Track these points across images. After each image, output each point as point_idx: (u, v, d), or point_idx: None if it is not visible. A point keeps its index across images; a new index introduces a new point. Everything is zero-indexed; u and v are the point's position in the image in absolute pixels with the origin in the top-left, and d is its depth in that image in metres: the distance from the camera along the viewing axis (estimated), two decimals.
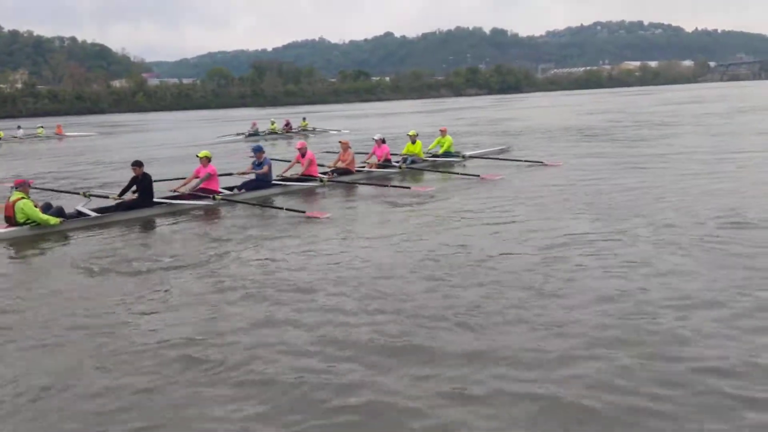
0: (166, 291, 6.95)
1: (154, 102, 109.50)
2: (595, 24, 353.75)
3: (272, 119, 37.61)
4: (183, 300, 6.60)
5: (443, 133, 17.94)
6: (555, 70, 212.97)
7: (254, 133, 33.46)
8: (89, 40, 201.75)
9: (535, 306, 5.99)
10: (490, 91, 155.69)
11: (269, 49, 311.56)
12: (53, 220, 10.00)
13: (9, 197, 10.16)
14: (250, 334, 5.62)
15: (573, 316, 5.71)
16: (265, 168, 13.27)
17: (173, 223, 10.76)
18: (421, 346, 5.19)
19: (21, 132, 41.33)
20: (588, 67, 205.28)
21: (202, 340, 5.51)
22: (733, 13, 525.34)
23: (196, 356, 5.18)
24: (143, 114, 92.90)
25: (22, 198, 9.94)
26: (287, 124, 36.39)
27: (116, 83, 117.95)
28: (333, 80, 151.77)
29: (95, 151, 28.95)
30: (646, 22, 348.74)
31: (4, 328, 6.01)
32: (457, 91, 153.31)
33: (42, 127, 43.63)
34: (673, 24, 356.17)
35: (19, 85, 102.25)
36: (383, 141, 16.01)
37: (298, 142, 15.07)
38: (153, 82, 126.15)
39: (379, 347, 5.22)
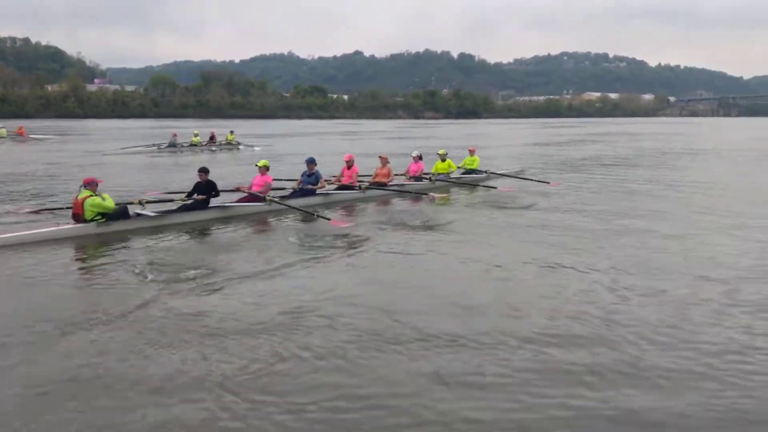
0: (215, 290, 7.37)
1: (86, 108, 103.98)
2: (562, 54, 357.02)
3: (195, 131, 35.52)
4: (236, 300, 6.97)
5: (472, 152, 18.81)
6: (517, 98, 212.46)
7: (172, 144, 31.68)
8: (44, 42, 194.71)
9: None
10: (448, 114, 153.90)
11: (237, 60, 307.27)
12: (111, 202, 10.58)
13: (77, 195, 10.53)
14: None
15: None
16: (322, 182, 13.81)
17: (227, 226, 11.46)
18: None
19: None
20: (549, 96, 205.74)
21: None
22: (696, 51, 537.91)
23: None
24: (69, 121, 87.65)
25: (91, 196, 10.38)
26: (212, 137, 34.83)
27: (49, 87, 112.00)
28: (287, 95, 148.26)
29: None
30: (611, 55, 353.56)
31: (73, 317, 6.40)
32: (414, 114, 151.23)
33: (4, 128, 41.86)
34: (638, 58, 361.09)
35: None
36: (420, 158, 16.88)
37: (345, 155, 15.18)
38: (91, 88, 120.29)
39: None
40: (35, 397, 4.75)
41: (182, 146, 32.27)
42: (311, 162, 13.72)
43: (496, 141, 45.99)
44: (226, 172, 19.98)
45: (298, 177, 14.21)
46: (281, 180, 14.61)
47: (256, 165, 13.17)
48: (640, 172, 22.03)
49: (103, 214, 10.46)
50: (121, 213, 10.74)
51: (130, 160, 25.53)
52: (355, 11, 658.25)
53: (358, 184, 14.73)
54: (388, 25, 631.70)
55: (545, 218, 12.11)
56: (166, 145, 31.51)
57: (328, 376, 5.09)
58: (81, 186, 10.70)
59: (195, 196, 11.89)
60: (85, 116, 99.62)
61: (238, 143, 35.08)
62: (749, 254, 9.16)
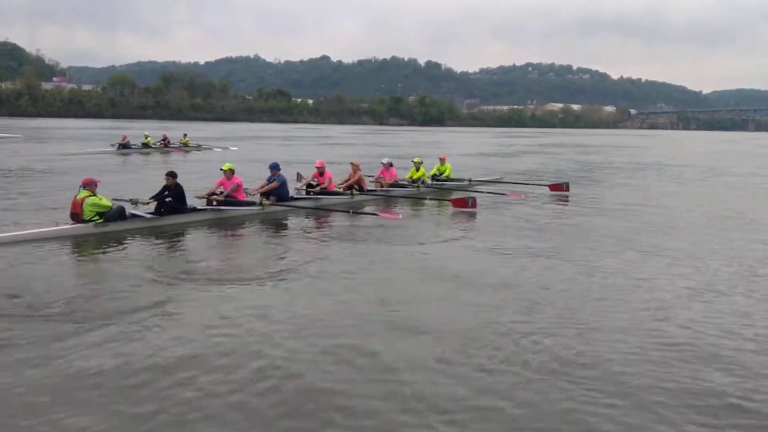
0: (217, 289, 7.57)
1: (40, 107, 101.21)
2: (527, 65, 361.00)
3: (146, 132, 35.43)
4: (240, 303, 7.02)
5: (443, 161, 18.68)
6: (482, 107, 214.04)
7: (125, 146, 31.73)
8: (1, 39, 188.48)
9: None
10: (413, 122, 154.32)
11: (202, 62, 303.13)
12: (107, 201, 10.82)
13: (76, 195, 10.69)
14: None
15: None
16: (275, 183, 13.34)
17: (222, 227, 11.81)
18: None
19: None
20: (514, 106, 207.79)
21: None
22: (657, 65, 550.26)
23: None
24: (19, 119, 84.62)
25: (90, 196, 10.60)
26: (164, 139, 34.85)
27: (3, 84, 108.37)
28: (249, 97, 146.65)
29: None
30: (575, 67, 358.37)
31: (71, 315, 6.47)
32: (379, 120, 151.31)
33: None
34: (600, 70, 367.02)
35: None
36: (391, 165, 16.82)
37: (317, 161, 15.20)
38: (48, 86, 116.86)
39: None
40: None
41: (137, 147, 32.27)
42: (275, 167, 13.54)
43: (446, 150, 45.47)
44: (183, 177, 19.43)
45: (259, 183, 14.10)
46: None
47: (221, 169, 13.00)
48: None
49: (101, 214, 10.63)
50: (118, 213, 10.92)
51: (81, 163, 24.35)
52: (323, 16, 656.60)
53: (344, 188, 15.05)
54: (356, 30, 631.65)
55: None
56: (116, 146, 31.35)
57: None
58: (80, 186, 10.83)
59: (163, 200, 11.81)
60: (38, 115, 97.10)
61: (199, 144, 35.92)
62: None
